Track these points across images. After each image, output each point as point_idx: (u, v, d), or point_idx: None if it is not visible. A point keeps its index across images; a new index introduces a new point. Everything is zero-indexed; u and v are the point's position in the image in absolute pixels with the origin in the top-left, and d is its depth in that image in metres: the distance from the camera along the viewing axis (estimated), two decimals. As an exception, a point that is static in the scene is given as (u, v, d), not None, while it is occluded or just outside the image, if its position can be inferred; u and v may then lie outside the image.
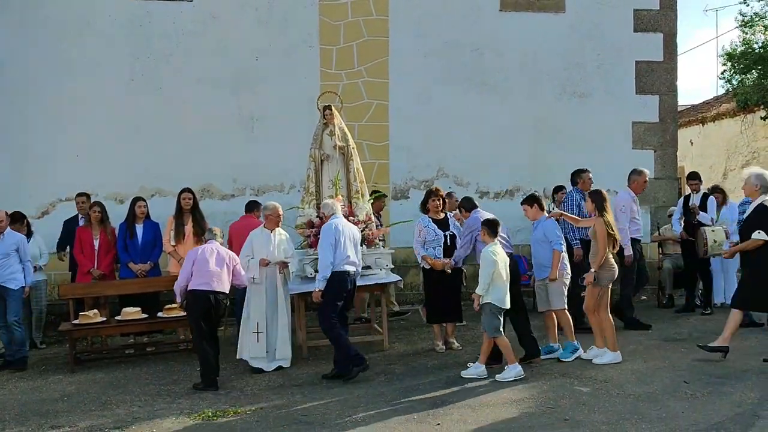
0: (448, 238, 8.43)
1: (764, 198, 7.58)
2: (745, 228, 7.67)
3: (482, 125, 11.90)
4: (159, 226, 9.43)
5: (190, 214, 9.34)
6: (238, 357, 8.00)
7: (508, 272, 7.40)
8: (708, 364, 7.51)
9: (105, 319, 8.72)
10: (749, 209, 7.73)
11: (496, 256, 7.29)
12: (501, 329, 7.29)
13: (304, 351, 8.42)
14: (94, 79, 11.02)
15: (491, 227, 7.47)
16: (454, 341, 8.66)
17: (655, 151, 12.42)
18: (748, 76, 17.48)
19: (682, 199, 11.08)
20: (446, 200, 8.94)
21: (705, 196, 10.54)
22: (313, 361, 8.21)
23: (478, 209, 8.31)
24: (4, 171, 10.79)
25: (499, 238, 7.64)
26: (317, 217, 8.56)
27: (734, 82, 18.03)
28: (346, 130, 9.12)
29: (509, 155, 11.92)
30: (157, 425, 6.17)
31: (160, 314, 8.73)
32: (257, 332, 7.84)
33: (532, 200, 8.11)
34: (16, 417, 6.54)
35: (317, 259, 8.47)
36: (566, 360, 7.79)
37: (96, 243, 9.32)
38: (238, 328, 8.30)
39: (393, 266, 8.94)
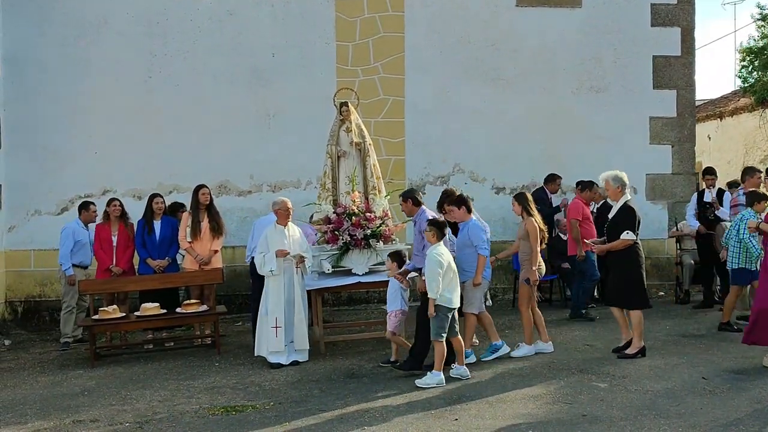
0: None
1: (627, 198, 7.75)
2: (612, 228, 7.75)
3: (498, 121, 11.88)
4: (177, 222, 9.48)
5: (206, 211, 9.38)
6: (256, 354, 8.04)
7: (456, 271, 7.19)
8: (726, 360, 7.49)
9: (124, 314, 8.80)
10: (614, 210, 7.80)
11: (442, 257, 7.03)
12: (444, 333, 7.00)
13: (322, 346, 8.45)
14: (112, 77, 11.12)
15: (438, 227, 7.20)
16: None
17: (672, 146, 12.35)
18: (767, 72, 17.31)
19: (695, 194, 11.02)
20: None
21: (720, 192, 10.46)
22: (330, 357, 8.25)
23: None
24: (23, 168, 10.91)
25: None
26: (334, 213, 8.58)
27: (751, 80, 17.83)
28: (363, 126, 9.14)
29: (526, 150, 11.89)
30: (177, 419, 6.23)
31: (178, 310, 8.82)
32: (276, 327, 7.87)
33: (460, 202, 7.84)
34: (38, 412, 6.62)
35: (334, 254, 8.53)
36: (486, 359, 7.77)
37: (114, 239, 9.41)
38: (253, 324, 8.37)
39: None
